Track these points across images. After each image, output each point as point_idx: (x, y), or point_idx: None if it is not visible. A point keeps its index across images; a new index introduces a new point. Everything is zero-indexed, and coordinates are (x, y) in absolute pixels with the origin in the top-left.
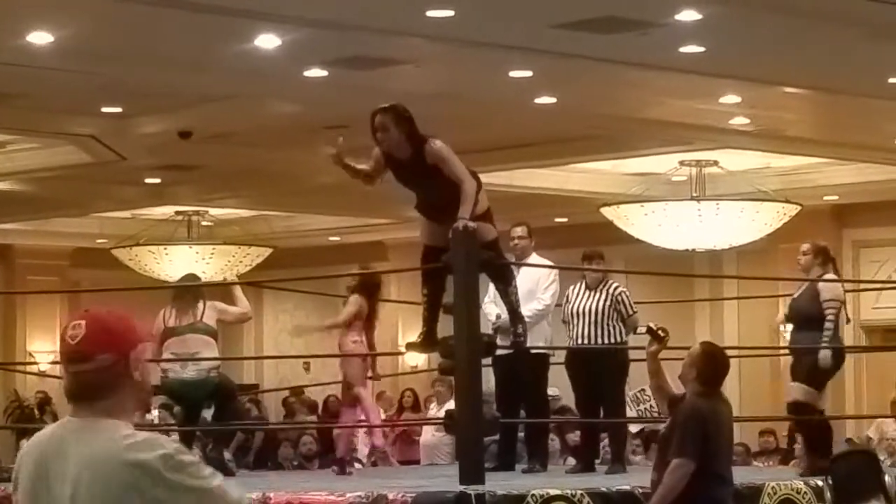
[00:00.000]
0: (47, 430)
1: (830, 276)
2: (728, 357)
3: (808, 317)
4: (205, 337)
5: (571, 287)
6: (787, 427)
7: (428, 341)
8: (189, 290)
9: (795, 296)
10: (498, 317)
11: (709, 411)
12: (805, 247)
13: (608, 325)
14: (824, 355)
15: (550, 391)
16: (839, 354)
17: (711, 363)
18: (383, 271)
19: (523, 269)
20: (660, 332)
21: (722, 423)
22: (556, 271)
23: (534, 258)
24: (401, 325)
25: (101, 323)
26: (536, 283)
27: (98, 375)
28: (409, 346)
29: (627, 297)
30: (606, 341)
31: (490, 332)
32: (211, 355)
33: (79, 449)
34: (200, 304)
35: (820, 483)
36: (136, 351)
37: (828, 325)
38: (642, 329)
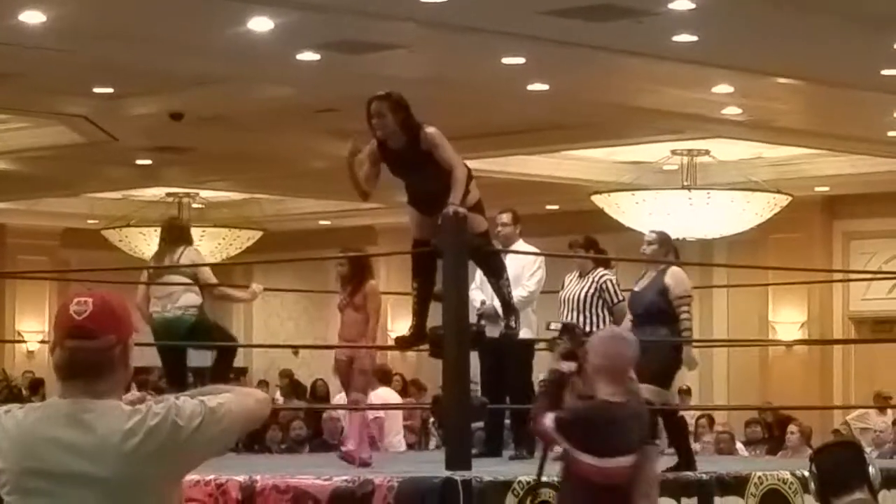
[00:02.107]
0: (35, 414)
1: (677, 268)
2: None
3: (652, 311)
4: (182, 278)
5: (567, 274)
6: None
7: (417, 335)
8: (172, 232)
9: (636, 289)
10: (483, 303)
11: None
12: (651, 236)
13: (593, 312)
14: (687, 354)
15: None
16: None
17: None
18: (371, 255)
19: (509, 256)
20: (576, 330)
21: None
22: (542, 258)
23: (520, 245)
24: (390, 311)
25: (107, 304)
26: (522, 269)
27: (99, 354)
28: (398, 341)
29: (613, 284)
30: (590, 329)
31: (475, 317)
32: (189, 294)
33: (87, 431)
34: (180, 249)
35: (807, 474)
36: (131, 338)
37: (685, 323)
38: (556, 325)
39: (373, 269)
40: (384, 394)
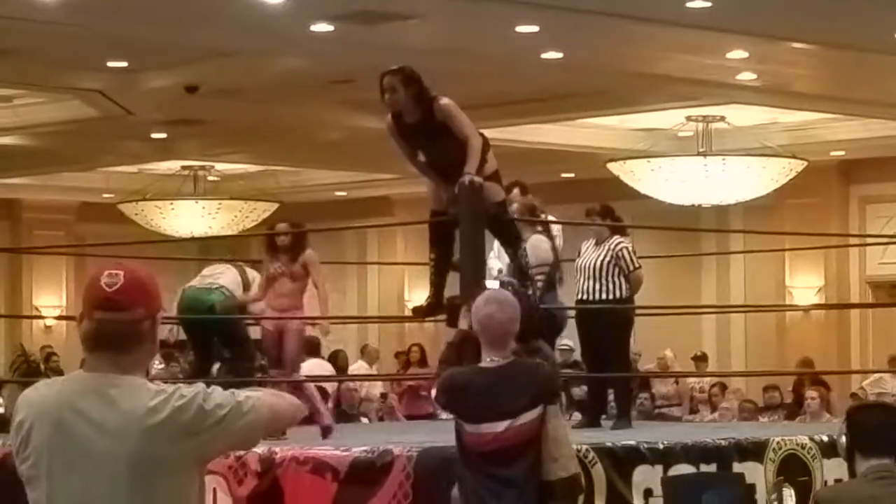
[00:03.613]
0: (60, 387)
1: (537, 236)
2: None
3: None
4: (229, 266)
5: (584, 242)
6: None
7: (434, 305)
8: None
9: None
10: (500, 272)
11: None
12: (513, 206)
13: (609, 280)
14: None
15: (565, 343)
16: (556, 317)
17: None
18: (388, 224)
19: None
20: (455, 300)
21: None
22: (558, 227)
23: None
24: (407, 282)
25: (138, 277)
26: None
27: (127, 327)
28: (416, 311)
29: (629, 252)
30: (606, 297)
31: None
32: (231, 278)
33: (111, 406)
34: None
35: (825, 438)
36: (160, 313)
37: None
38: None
39: (308, 240)
40: (312, 365)
